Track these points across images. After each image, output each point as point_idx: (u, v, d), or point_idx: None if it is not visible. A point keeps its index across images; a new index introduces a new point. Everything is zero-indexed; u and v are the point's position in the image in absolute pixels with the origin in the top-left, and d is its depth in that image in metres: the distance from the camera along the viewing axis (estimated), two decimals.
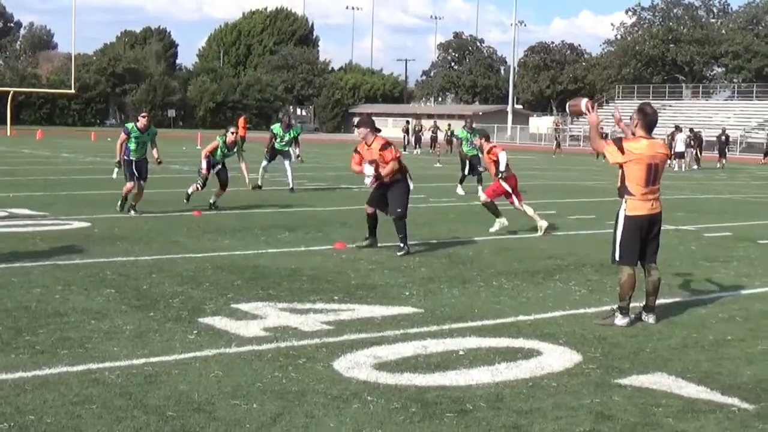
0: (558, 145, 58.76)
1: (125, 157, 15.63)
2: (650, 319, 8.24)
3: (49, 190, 19.04)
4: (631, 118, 8.50)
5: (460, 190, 22.40)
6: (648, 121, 8.26)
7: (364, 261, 11.25)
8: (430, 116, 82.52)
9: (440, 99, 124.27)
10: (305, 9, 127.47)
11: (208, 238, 12.97)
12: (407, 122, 58.99)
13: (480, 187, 21.39)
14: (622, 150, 8.17)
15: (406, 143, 54.81)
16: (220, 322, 7.80)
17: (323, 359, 6.69)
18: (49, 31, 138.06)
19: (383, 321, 8.02)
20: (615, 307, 8.22)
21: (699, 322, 8.35)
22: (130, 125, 15.74)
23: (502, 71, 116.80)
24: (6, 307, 8.12)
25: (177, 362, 6.51)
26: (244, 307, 8.40)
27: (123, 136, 15.61)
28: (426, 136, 55.84)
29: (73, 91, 76.60)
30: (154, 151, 15.88)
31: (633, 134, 8.40)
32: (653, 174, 8.21)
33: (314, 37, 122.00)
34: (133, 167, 15.53)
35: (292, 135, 22.18)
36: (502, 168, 14.31)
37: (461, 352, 6.99)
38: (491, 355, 6.91)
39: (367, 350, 6.96)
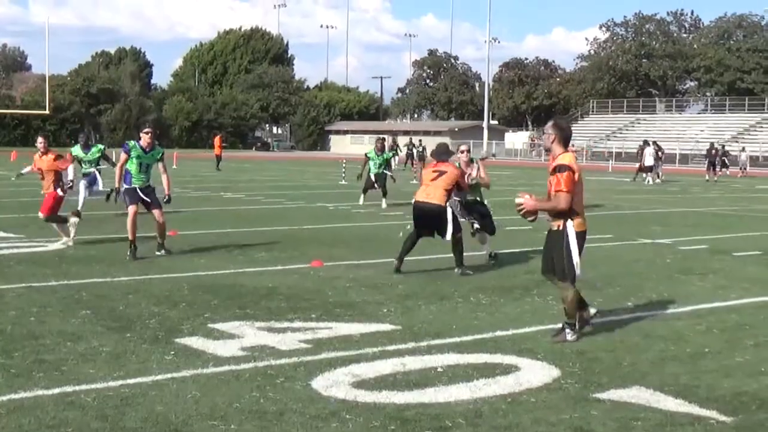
0: None
1: (125, 185, 13.32)
2: (592, 309, 8.28)
3: (24, 212, 18.87)
4: (543, 133, 8.34)
5: (361, 200, 23.36)
6: (564, 135, 8.08)
7: (342, 279, 11.22)
8: (406, 133, 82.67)
9: (416, 116, 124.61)
10: (280, 28, 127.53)
11: (185, 257, 12.91)
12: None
13: (384, 199, 22.89)
14: (573, 171, 7.88)
15: None
16: (197, 342, 7.75)
17: (301, 378, 6.66)
18: (22, 52, 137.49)
19: (361, 339, 8.00)
20: (566, 330, 8.10)
21: (676, 335, 8.38)
22: (131, 143, 13.31)
23: (477, 87, 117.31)
24: None
25: (154, 383, 6.47)
26: (221, 326, 8.36)
27: (123, 156, 13.14)
28: (403, 153, 55.95)
29: (47, 111, 76.23)
30: (164, 179, 13.35)
31: (547, 150, 8.21)
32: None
33: (289, 55, 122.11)
34: (139, 193, 13.11)
35: (94, 155, 19.36)
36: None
37: (440, 369, 6.98)
38: (470, 372, 6.90)
39: (345, 368, 6.94)
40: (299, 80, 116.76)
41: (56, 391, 6.21)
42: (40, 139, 14.77)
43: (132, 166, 13.15)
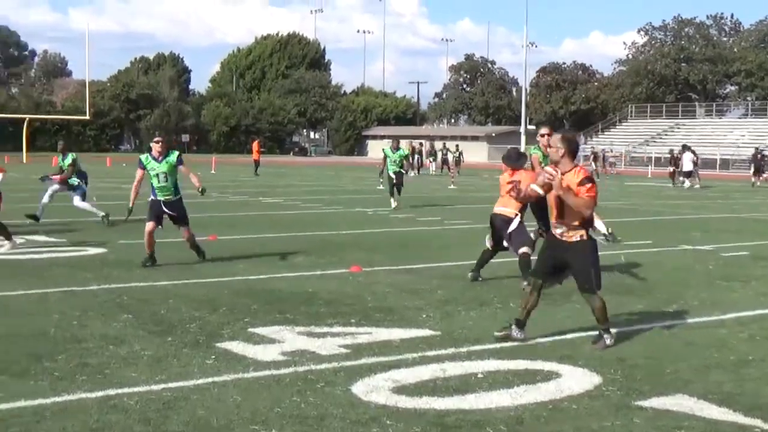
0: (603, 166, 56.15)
1: (152, 197, 12.74)
2: (521, 334, 8.15)
3: (65, 217, 19.07)
4: (549, 146, 8.27)
5: (393, 203, 23.77)
6: (573, 148, 8.01)
7: (381, 284, 11.23)
8: (443, 138, 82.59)
9: (453, 120, 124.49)
10: (316, 33, 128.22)
11: (224, 262, 12.97)
12: (420, 144, 59.44)
13: (396, 197, 23.66)
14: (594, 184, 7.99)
15: (420, 165, 55.20)
16: (237, 346, 7.79)
17: (341, 383, 6.67)
18: (63, 58, 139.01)
19: (401, 344, 8.00)
20: (604, 336, 8.07)
21: (719, 342, 8.29)
22: (143, 156, 12.86)
23: (514, 92, 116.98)
24: (24, 334, 8.15)
25: (195, 387, 6.51)
26: (261, 331, 8.40)
27: (139, 172, 12.76)
28: (438, 158, 56.03)
29: (87, 117, 77.10)
30: (193, 178, 12.92)
31: (554, 164, 8.06)
32: None
33: (326, 60, 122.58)
34: (162, 207, 12.66)
35: (67, 162, 18.48)
36: None
37: (480, 375, 6.96)
38: (510, 378, 6.88)
39: (385, 374, 6.94)
40: (336, 85, 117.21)
41: (99, 394, 6.27)
42: None
43: (152, 180, 12.66)
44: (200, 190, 12.96)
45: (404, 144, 54.71)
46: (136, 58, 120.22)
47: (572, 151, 8.01)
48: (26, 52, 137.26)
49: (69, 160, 18.49)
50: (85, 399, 6.16)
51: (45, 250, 14.18)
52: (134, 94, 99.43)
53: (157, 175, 12.62)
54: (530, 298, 8.19)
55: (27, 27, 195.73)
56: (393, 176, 24.01)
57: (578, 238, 7.96)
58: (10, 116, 77.22)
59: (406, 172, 24.96)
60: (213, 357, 7.42)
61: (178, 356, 7.43)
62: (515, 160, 11.67)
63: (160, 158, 12.68)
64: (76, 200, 18.56)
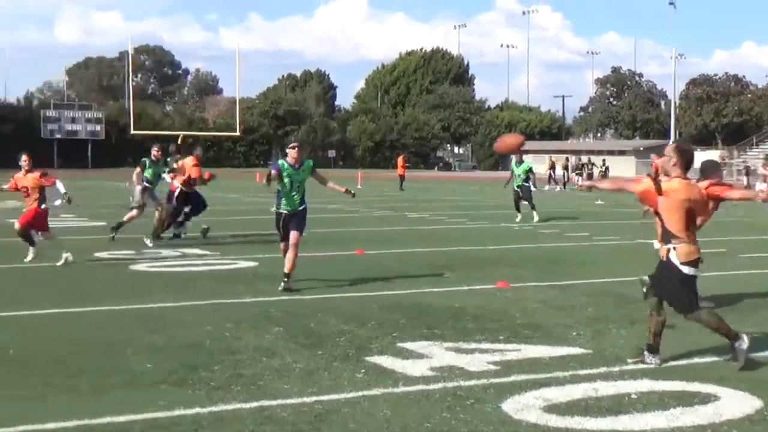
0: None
1: (276, 209, 12.13)
2: (654, 359, 7.81)
3: (218, 231, 19.61)
4: (662, 155, 8.02)
5: (517, 217, 24.40)
6: (686, 159, 7.76)
7: (529, 300, 11.10)
8: (589, 152, 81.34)
9: (599, 135, 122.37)
10: (460, 48, 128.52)
11: (370, 277, 13.07)
12: (566, 159, 58.88)
13: (534, 212, 24.09)
14: (659, 190, 7.68)
15: (566, 179, 54.55)
16: (386, 361, 7.83)
17: (491, 400, 6.61)
18: (214, 76, 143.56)
19: (551, 362, 7.88)
20: (734, 345, 7.73)
21: None
22: (281, 162, 12.07)
23: (663, 105, 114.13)
24: (181, 344, 8.42)
25: (346, 401, 6.57)
26: (409, 346, 8.41)
27: (274, 171, 11.88)
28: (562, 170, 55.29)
29: (238, 133, 79.28)
30: (334, 186, 12.67)
31: (666, 174, 7.87)
32: (693, 217, 7.74)
33: (469, 75, 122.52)
34: (283, 222, 11.96)
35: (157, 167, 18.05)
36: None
37: (634, 396, 6.78)
38: (665, 399, 6.67)
39: (535, 392, 6.84)
40: (480, 100, 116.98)
41: (254, 404, 6.41)
42: (24, 157, 14.27)
43: (284, 186, 11.90)
44: (351, 193, 12.91)
45: (546, 159, 54.59)
46: (283, 75, 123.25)
47: (685, 163, 7.80)
48: (180, 71, 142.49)
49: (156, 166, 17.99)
50: (240, 409, 6.30)
51: (199, 263, 14.62)
52: (282, 110, 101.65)
53: (292, 183, 11.89)
54: (651, 319, 7.91)
55: (180, 47, 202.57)
56: (517, 190, 24.65)
57: (663, 257, 7.78)
58: (164, 133, 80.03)
59: (535, 186, 25.13)
60: (363, 371, 7.48)
61: (328, 369, 7.52)
62: (714, 171, 11.15)
63: (297, 165, 11.99)
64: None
